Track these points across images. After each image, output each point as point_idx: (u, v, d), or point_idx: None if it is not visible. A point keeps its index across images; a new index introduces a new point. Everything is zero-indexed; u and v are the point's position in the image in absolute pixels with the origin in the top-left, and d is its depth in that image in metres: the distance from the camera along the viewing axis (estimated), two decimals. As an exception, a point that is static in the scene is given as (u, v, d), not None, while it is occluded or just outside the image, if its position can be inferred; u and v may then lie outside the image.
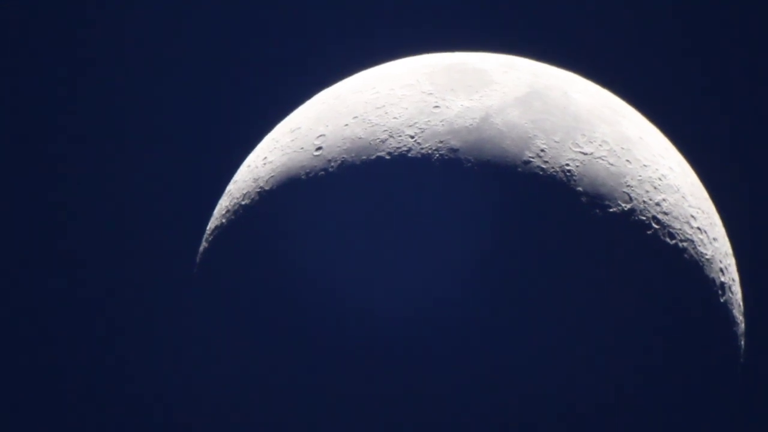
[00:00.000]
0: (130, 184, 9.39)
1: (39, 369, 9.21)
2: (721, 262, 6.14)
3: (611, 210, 5.74)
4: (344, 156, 5.87)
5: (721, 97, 9.03)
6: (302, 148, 6.05)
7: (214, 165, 8.66)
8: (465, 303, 5.51)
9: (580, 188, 5.73)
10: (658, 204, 5.89)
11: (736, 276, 6.35)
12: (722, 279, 6.11)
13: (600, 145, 5.90)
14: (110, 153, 9.43)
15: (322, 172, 5.87)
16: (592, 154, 5.85)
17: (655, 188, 5.94)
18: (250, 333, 5.87)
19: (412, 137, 5.82)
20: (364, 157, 5.82)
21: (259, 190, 6.11)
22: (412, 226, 5.59)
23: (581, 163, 5.80)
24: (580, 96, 6.16)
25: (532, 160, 5.75)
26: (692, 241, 5.96)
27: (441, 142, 5.78)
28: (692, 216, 6.05)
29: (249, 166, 6.40)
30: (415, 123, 5.87)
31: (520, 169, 5.71)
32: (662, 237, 5.83)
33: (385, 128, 5.89)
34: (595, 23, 9.18)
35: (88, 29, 9.50)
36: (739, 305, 6.30)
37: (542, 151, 5.78)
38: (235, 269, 5.99)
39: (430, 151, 5.75)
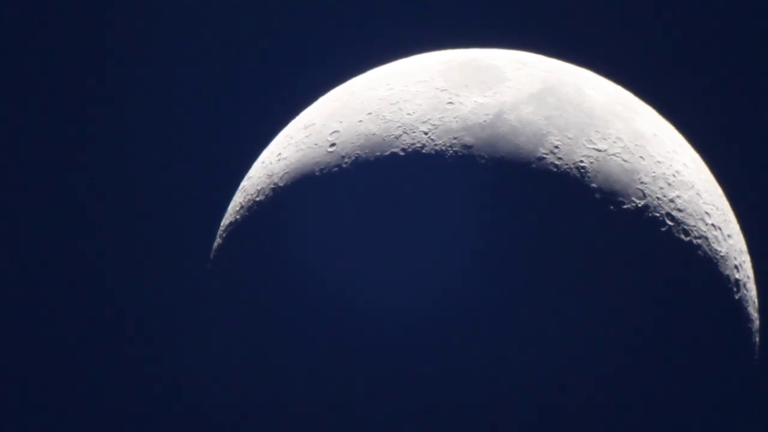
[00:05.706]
0: (144, 180, 9.41)
1: (51, 364, 9.24)
2: (735, 259, 6.13)
3: (625, 207, 5.74)
4: (358, 152, 5.87)
5: (735, 94, 9.01)
6: (316, 144, 6.06)
7: (229, 161, 8.68)
8: (478, 299, 5.51)
9: (594, 185, 5.72)
10: (672, 201, 5.89)
11: (750, 273, 6.34)
12: (737, 276, 6.10)
13: (614, 142, 5.90)
14: (125, 149, 9.45)
15: (336, 169, 5.88)
16: (606, 150, 5.85)
17: (669, 185, 5.93)
18: (263, 328, 5.88)
19: (425, 133, 5.82)
20: (377, 154, 5.83)
21: (273, 186, 6.12)
22: (426, 222, 5.59)
23: (595, 159, 5.79)
24: (594, 92, 6.15)
25: (545, 156, 5.74)
26: (706, 238, 5.95)
27: (455, 138, 5.78)
28: (706, 213, 6.04)
29: (263, 162, 6.41)
30: (429, 119, 5.87)
31: (533, 166, 5.71)
32: (676, 234, 5.82)
33: (399, 124, 5.89)
34: (608, 19, 9.16)
35: (112, 26, 9.53)
36: (754, 302, 6.29)
37: (556, 147, 5.77)
38: (248, 265, 6.00)
39: (443, 148, 5.75)
